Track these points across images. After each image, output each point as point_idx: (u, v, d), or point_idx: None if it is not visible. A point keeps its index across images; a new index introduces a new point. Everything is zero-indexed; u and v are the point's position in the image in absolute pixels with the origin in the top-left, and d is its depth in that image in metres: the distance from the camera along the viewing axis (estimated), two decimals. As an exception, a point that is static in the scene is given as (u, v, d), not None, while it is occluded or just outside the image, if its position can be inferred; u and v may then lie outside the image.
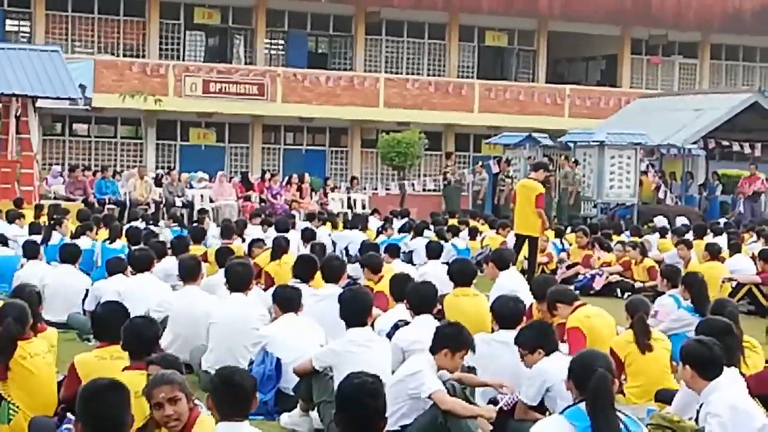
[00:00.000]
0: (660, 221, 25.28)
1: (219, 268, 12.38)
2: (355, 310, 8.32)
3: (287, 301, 9.17)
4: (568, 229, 22.55)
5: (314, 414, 8.29)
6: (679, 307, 10.95)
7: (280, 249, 13.93)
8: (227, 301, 9.93)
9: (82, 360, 7.49)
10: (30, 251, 13.83)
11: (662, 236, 21.57)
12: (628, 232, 22.24)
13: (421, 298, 9.15)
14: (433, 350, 7.50)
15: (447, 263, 12.31)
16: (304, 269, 11.18)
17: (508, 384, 7.90)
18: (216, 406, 5.60)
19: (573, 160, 29.06)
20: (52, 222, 17.96)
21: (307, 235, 16.56)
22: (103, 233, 16.99)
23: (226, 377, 5.67)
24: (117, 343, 7.30)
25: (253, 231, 18.68)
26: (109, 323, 7.50)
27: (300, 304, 9.22)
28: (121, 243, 15.78)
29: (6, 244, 15.34)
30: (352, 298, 8.52)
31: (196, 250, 14.73)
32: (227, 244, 15.75)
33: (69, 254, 13.29)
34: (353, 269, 14.06)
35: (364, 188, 33.95)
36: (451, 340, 7.50)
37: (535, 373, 7.53)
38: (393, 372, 7.83)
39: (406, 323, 9.17)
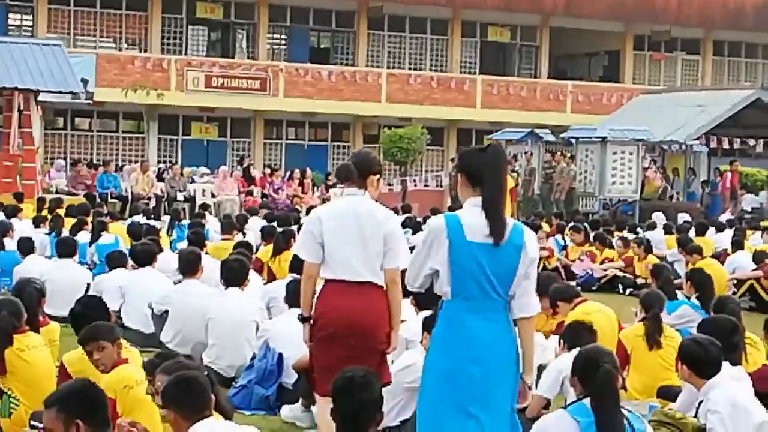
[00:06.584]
0: (658, 218, 25.15)
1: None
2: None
3: (293, 297, 9.10)
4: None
5: (315, 409, 8.27)
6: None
7: (280, 245, 13.90)
8: (224, 296, 9.90)
9: (70, 358, 7.40)
10: (24, 247, 13.68)
11: (668, 233, 21.51)
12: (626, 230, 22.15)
13: (428, 294, 9.03)
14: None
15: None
16: (301, 264, 11.08)
17: None
18: (180, 412, 5.33)
19: (569, 155, 29.09)
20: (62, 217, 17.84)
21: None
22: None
23: (183, 379, 5.45)
24: None
25: (253, 225, 18.62)
26: (89, 319, 7.23)
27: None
28: (113, 237, 15.65)
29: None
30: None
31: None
32: (227, 239, 15.75)
33: (66, 248, 13.23)
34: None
35: (366, 184, 33.84)
36: None
37: (552, 367, 7.57)
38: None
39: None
